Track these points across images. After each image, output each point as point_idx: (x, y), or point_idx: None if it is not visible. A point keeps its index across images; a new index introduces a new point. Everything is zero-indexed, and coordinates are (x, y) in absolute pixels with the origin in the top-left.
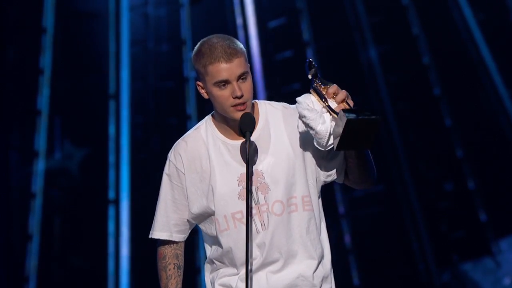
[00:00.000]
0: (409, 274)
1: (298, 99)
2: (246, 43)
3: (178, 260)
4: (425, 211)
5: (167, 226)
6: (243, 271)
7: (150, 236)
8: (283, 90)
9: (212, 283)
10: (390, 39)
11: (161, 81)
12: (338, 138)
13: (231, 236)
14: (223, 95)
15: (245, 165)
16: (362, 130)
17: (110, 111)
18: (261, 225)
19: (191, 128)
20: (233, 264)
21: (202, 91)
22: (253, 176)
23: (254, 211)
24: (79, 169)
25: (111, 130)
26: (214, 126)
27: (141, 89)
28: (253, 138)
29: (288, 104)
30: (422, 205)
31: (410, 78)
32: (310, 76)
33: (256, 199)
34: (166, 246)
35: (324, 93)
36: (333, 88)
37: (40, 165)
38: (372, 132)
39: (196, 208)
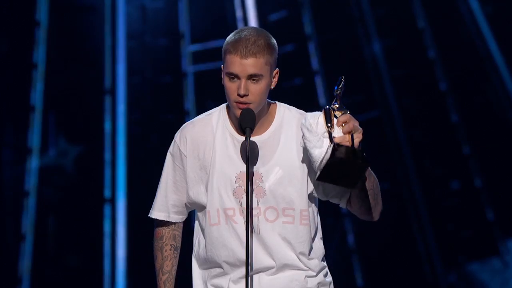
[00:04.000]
0: (415, 275)
1: (306, 116)
2: None
3: (176, 241)
4: (431, 209)
5: (165, 206)
6: (235, 272)
7: (149, 215)
8: (284, 85)
9: (204, 282)
10: (395, 33)
11: (158, 76)
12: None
13: (221, 232)
14: (231, 88)
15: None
16: (345, 170)
17: (106, 106)
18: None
19: None
20: (221, 263)
21: (222, 75)
22: (252, 177)
23: (244, 213)
24: (74, 166)
25: (107, 126)
26: (227, 115)
27: (137, 84)
28: (261, 139)
29: (305, 112)
30: (428, 203)
31: (416, 72)
32: (334, 94)
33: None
34: (164, 226)
35: (335, 118)
36: (345, 117)
37: (33, 163)
38: (356, 176)
39: (192, 194)
